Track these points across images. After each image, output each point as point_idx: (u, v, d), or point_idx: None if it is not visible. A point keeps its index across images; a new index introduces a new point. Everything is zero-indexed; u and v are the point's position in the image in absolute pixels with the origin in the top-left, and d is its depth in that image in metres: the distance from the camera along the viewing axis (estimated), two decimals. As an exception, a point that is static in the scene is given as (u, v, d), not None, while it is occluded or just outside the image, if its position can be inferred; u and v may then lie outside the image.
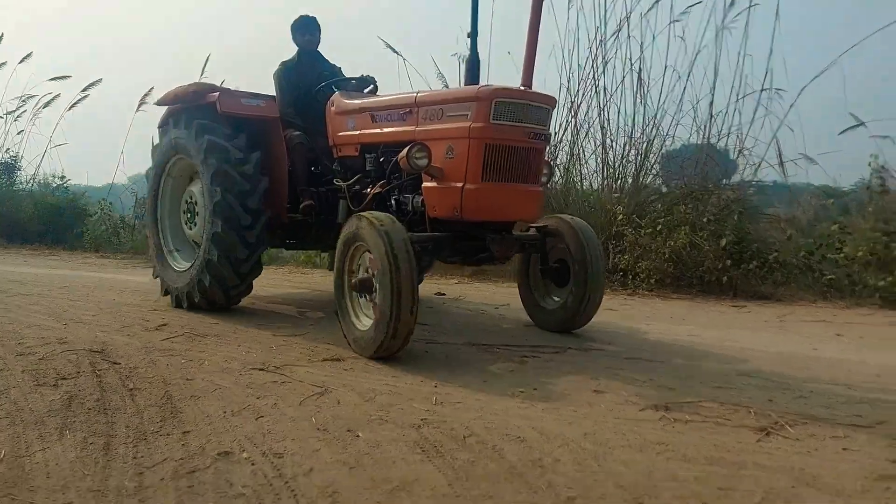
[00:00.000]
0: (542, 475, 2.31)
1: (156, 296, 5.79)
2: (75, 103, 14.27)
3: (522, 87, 4.04)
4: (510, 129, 3.91)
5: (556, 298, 4.68)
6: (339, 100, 4.98)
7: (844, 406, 3.20)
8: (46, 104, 14.54)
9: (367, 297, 3.81)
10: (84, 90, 14.16)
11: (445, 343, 4.36)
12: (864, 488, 2.25)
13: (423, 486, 2.21)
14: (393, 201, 4.45)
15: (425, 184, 4.13)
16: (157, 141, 5.64)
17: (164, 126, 5.47)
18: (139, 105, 13.25)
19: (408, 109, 4.33)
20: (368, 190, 4.56)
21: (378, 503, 2.11)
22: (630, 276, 7.38)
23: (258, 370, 3.53)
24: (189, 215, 5.29)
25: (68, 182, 13.98)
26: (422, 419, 2.82)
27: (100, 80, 14.10)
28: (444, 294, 6.87)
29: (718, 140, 8.52)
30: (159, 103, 5.51)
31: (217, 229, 4.64)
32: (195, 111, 5.10)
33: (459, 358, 3.96)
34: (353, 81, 5.33)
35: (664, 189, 8.88)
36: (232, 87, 5.47)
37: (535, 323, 4.82)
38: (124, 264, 10.04)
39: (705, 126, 8.50)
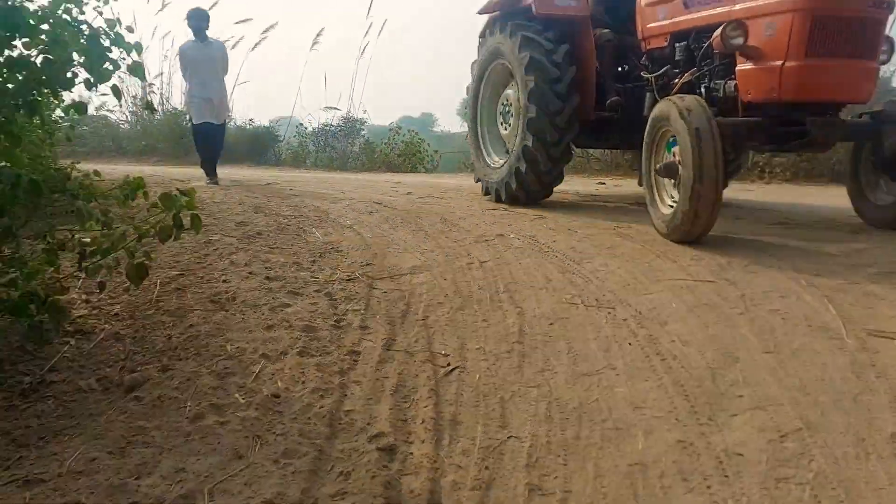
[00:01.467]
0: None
1: (389, 185, 7.61)
2: (256, 45, 16.45)
3: None
4: None
5: (889, 194, 4.10)
6: None
7: None
8: (233, 46, 16.88)
9: (673, 181, 3.76)
10: (263, 32, 16.29)
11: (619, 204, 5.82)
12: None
13: (623, 247, 3.74)
14: (703, 89, 4.25)
15: (739, 66, 3.89)
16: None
17: (483, 35, 5.89)
18: (312, 44, 15.17)
19: None
20: (676, 80, 4.38)
21: (608, 249, 3.67)
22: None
23: (491, 210, 5.17)
24: (504, 117, 5.62)
25: (251, 121, 16.26)
26: (615, 227, 4.32)
27: (276, 24, 16.15)
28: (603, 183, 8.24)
29: None
30: (481, 12, 5.90)
31: (531, 115, 4.93)
32: (512, 16, 5.39)
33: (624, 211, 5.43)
34: None
35: None
36: None
37: (865, 220, 4.26)
38: (327, 170, 12.18)
39: None
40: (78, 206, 2.60)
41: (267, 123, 17.20)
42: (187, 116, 8.29)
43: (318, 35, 15.32)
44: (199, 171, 7.66)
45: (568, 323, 2.74)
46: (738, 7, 3.91)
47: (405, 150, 13.11)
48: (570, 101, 4.96)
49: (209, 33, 7.46)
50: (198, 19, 7.30)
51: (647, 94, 4.74)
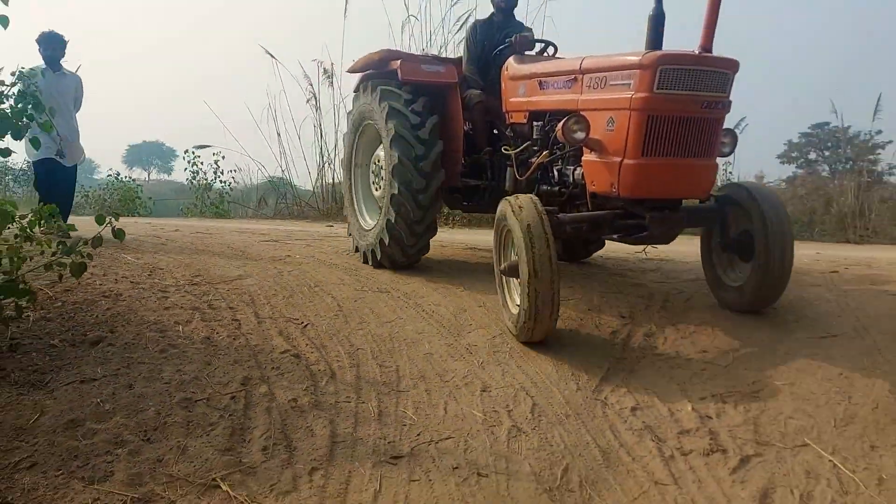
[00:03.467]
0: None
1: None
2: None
3: (698, 51, 3.55)
4: (679, 99, 3.51)
5: (741, 274, 4.15)
6: (512, 65, 4.90)
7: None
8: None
9: (517, 280, 3.74)
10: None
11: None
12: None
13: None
14: (555, 172, 4.34)
15: (585, 156, 3.93)
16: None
17: (356, 92, 5.76)
18: None
19: (573, 77, 4.15)
20: (534, 159, 4.41)
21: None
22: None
23: (265, 242, 6.54)
24: (376, 177, 5.49)
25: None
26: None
27: None
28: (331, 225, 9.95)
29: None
30: (351, 71, 5.90)
31: (394, 191, 4.84)
32: (381, 78, 5.28)
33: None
34: (532, 41, 5.11)
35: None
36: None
37: (719, 302, 4.30)
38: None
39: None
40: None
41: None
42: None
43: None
44: None
45: (366, 300, 4.38)
46: (583, 97, 4.01)
47: (124, 196, 13.46)
48: (433, 179, 4.90)
49: (64, 62, 6.46)
50: (51, 46, 6.31)
51: (508, 169, 4.79)
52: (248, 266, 5.14)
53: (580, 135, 3.79)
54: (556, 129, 3.92)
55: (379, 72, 5.37)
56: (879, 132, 15.93)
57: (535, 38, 5.20)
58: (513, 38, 4.92)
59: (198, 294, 4.28)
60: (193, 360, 3.21)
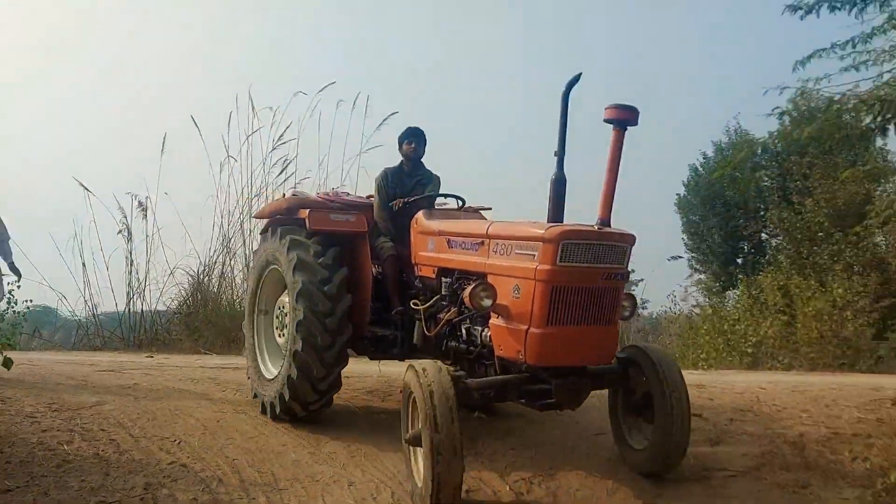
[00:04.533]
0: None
1: None
2: None
3: (597, 226, 3.77)
4: (581, 271, 3.69)
5: (645, 438, 4.24)
6: (421, 219, 4.97)
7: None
8: None
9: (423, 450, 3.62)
10: None
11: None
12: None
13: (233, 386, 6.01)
14: (464, 330, 4.38)
15: (492, 321, 4.01)
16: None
17: (264, 234, 5.67)
18: None
19: (480, 241, 4.28)
20: (442, 314, 4.49)
21: (233, 389, 5.87)
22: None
23: (100, 372, 6.70)
24: (280, 323, 5.35)
25: None
26: (216, 377, 6.50)
27: None
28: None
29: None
30: (258, 216, 5.89)
31: (297, 347, 4.67)
32: (290, 223, 5.24)
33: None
34: (438, 195, 5.38)
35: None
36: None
37: (626, 463, 4.36)
38: None
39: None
40: None
41: None
42: None
43: None
44: None
45: (227, 419, 4.92)
46: (489, 261, 4.13)
47: None
48: (339, 336, 4.75)
49: None
50: None
51: (417, 322, 4.78)
52: (101, 394, 5.42)
53: (487, 302, 3.90)
54: (464, 293, 4.01)
55: (287, 218, 5.34)
56: (633, 271, 19.22)
57: (443, 191, 5.45)
58: (419, 198, 5.24)
59: (65, 418, 4.57)
60: (92, 472, 3.62)
